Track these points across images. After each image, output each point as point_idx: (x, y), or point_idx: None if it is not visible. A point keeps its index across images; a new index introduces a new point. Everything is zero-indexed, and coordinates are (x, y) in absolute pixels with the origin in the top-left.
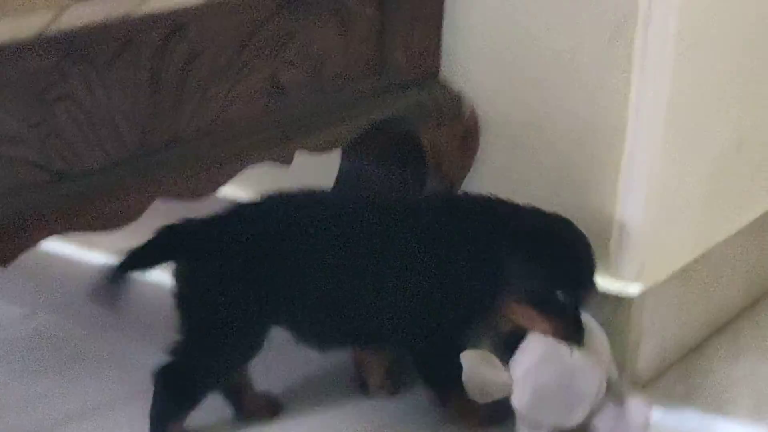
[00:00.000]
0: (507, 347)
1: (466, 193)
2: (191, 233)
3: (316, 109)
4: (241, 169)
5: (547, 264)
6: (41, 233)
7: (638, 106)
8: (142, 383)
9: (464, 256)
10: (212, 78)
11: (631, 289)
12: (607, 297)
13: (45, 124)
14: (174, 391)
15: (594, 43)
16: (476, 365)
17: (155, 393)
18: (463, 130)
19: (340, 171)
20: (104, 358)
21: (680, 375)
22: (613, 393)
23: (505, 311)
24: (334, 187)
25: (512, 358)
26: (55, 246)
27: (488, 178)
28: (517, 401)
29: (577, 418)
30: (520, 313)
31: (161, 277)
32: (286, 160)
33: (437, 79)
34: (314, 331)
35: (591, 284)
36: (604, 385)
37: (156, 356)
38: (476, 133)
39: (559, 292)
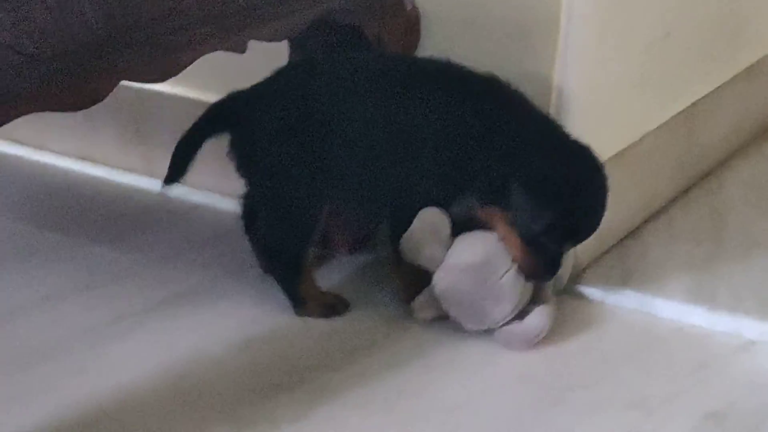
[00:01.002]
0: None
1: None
2: (238, 104)
3: (266, 1)
4: (198, 56)
5: (552, 210)
6: (14, 111)
7: None
8: (90, 276)
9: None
10: None
11: None
12: None
13: (18, 10)
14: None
15: None
16: (424, 229)
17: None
18: (405, 23)
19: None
20: (53, 253)
21: (618, 258)
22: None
23: (486, 212)
24: None
25: (455, 242)
26: (7, 147)
27: None
28: (435, 283)
29: (474, 328)
30: (499, 224)
31: (111, 175)
32: (240, 49)
33: None
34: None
35: (589, 236)
36: (514, 311)
37: (104, 252)
38: (417, 27)
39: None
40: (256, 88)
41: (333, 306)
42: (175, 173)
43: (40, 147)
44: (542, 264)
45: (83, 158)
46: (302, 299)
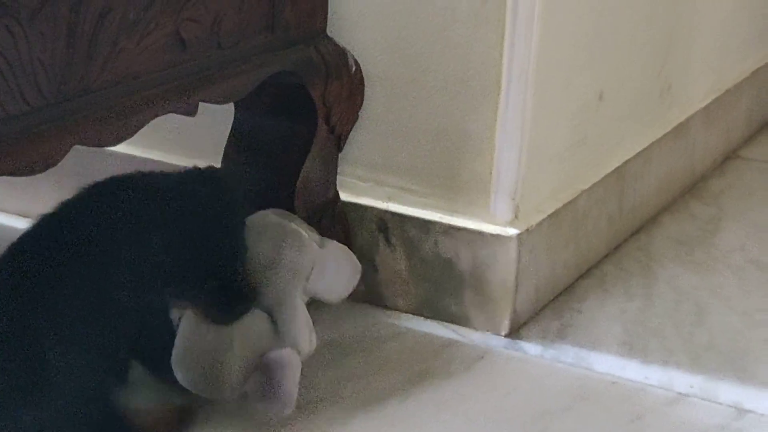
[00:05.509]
0: None
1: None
2: None
3: (214, 63)
4: (149, 119)
5: (159, 248)
6: None
7: (510, 60)
8: None
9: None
10: (122, 32)
11: (508, 232)
12: (487, 240)
13: None
14: None
15: (469, 3)
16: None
17: None
18: (350, 84)
19: (235, 123)
20: None
21: (554, 313)
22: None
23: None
24: (229, 139)
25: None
26: None
27: (372, 129)
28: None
29: (226, 394)
30: (172, 304)
31: None
32: (190, 111)
33: (325, 37)
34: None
35: (220, 263)
36: (253, 356)
37: None
38: (361, 87)
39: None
40: None
41: None
42: None
43: None
44: (207, 307)
45: (23, 215)
46: None
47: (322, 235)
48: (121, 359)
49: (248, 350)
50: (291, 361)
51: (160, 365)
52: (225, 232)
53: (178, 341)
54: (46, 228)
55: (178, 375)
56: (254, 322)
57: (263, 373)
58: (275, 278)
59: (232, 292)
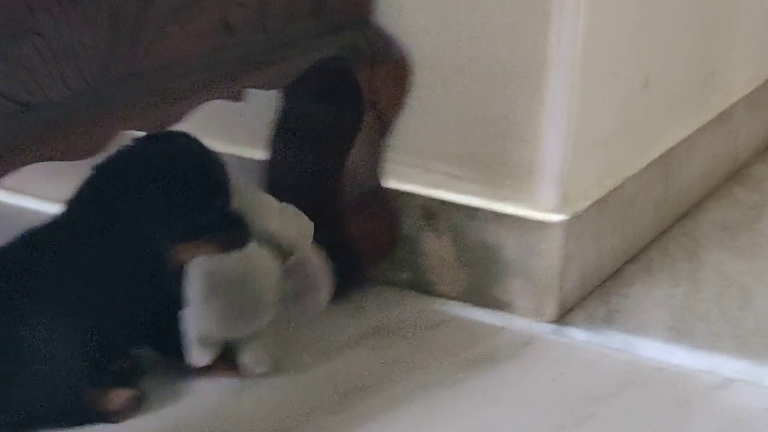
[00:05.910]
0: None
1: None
2: None
3: (261, 48)
4: (195, 105)
5: (162, 197)
6: (11, 163)
7: (557, 47)
8: None
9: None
10: (167, 16)
11: (555, 218)
12: (533, 226)
13: (13, 58)
14: None
15: None
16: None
17: None
18: (395, 70)
19: (281, 110)
20: None
21: (601, 299)
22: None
23: (176, 257)
24: (275, 125)
25: (185, 288)
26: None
27: (420, 115)
28: (196, 327)
29: (262, 318)
30: (182, 252)
31: None
32: (236, 97)
33: (372, 22)
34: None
35: (220, 186)
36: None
37: None
38: (408, 73)
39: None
40: None
41: None
42: None
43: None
44: (222, 239)
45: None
46: None
47: (369, 222)
48: (115, 345)
49: (272, 263)
50: (315, 251)
51: (175, 346)
52: (216, 170)
53: (196, 283)
54: (47, 228)
55: (205, 315)
56: (259, 245)
57: (294, 274)
58: (251, 214)
59: (234, 219)
